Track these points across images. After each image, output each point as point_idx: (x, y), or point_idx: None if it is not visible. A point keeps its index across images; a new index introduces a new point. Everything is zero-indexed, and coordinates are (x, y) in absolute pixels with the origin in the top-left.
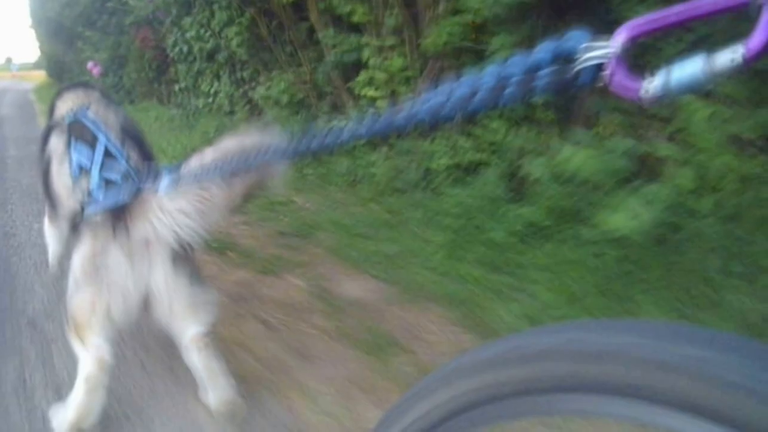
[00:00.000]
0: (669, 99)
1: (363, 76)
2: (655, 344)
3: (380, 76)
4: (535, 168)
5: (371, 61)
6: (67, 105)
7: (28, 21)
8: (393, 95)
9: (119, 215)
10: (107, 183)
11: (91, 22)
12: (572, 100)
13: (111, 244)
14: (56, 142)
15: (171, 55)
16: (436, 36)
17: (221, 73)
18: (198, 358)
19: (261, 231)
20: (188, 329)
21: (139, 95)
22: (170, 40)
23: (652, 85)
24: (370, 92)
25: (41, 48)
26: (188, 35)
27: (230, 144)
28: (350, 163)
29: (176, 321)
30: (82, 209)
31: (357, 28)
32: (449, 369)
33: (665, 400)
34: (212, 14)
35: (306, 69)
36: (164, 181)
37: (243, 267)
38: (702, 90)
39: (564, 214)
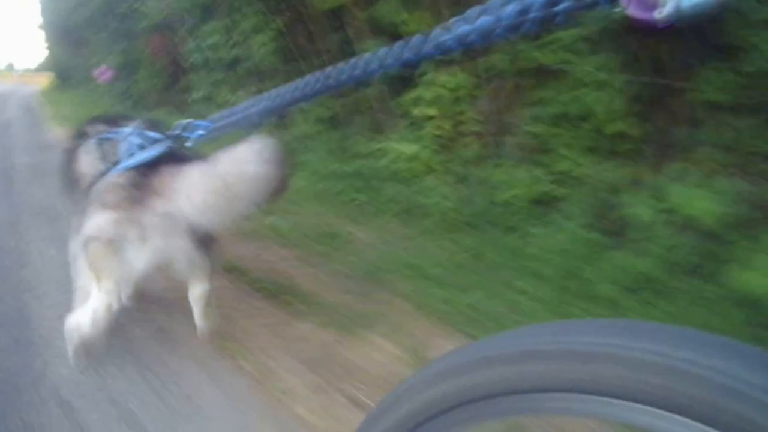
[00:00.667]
0: (681, 21)
1: (416, 92)
2: (644, 346)
3: (436, 93)
4: (642, 210)
5: (425, 77)
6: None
7: (38, 21)
8: (451, 115)
9: (148, 181)
10: (139, 148)
11: (101, 26)
12: (661, 129)
13: (138, 205)
14: (86, 138)
15: (187, 63)
16: (503, 53)
17: (242, 83)
18: (199, 307)
19: (320, 271)
20: (196, 287)
21: (152, 104)
22: (186, 48)
23: (666, 7)
24: (425, 110)
25: (50, 49)
26: (207, 43)
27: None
28: (403, 188)
29: (186, 279)
30: (108, 170)
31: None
32: (431, 371)
33: (654, 401)
34: (234, 22)
35: None
36: (197, 132)
37: (308, 319)
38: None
39: (679, 266)
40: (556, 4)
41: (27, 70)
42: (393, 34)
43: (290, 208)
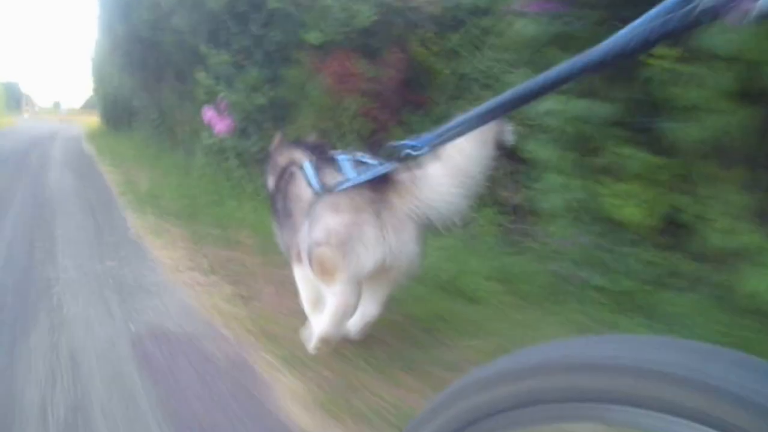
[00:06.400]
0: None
1: None
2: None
3: None
4: None
5: None
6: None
7: (91, 54)
8: None
9: (380, 190)
10: (360, 166)
11: (218, 39)
12: None
13: (370, 214)
14: (292, 171)
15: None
16: None
17: None
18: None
19: None
20: (376, 302)
21: None
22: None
23: (756, 7)
24: None
25: (96, 89)
26: None
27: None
28: None
29: (380, 288)
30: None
31: None
32: (487, 373)
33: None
34: None
35: None
36: (421, 150)
37: None
38: None
39: None
40: (671, 18)
41: (71, 110)
42: None
43: None
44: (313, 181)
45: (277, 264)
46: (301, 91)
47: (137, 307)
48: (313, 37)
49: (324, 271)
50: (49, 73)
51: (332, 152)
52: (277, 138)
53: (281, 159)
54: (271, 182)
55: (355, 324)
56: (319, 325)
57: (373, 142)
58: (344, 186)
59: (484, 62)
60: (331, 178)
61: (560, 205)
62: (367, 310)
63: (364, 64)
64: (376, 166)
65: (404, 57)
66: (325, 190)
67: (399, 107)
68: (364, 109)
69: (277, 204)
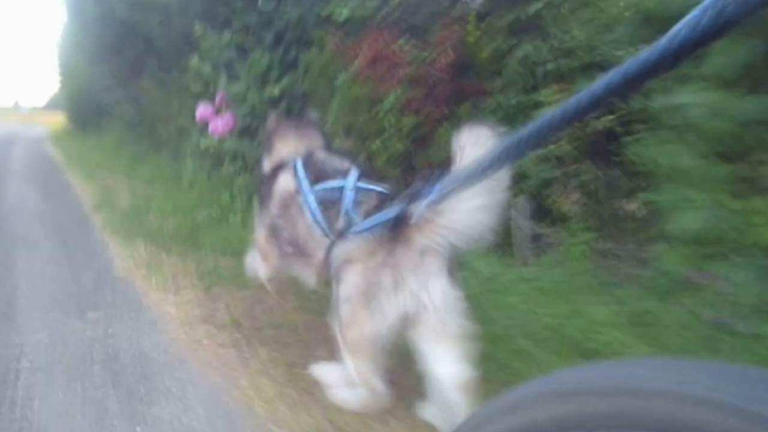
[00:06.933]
0: None
1: None
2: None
3: None
4: None
5: None
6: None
7: (57, 43)
8: None
9: (393, 233)
10: (366, 206)
11: (218, 20)
12: None
13: (383, 254)
14: (287, 180)
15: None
16: None
17: None
18: (456, 398)
19: None
20: (448, 361)
21: None
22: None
23: None
24: None
25: (62, 85)
26: None
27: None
28: None
29: (434, 342)
30: (339, 236)
31: None
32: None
33: None
34: None
35: None
36: (427, 199)
37: None
38: None
39: None
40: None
41: (34, 109)
42: None
43: None
44: (319, 218)
45: (320, 309)
46: (324, 80)
47: (142, 394)
48: (339, 12)
49: (349, 330)
50: (7, 70)
51: (336, 166)
52: (272, 118)
53: (280, 147)
54: (266, 166)
55: (444, 392)
56: (347, 400)
57: (418, 141)
58: (354, 232)
59: (565, 42)
60: (337, 219)
61: (698, 226)
62: (444, 372)
63: (404, 46)
64: (387, 209)
65: (455, 37)
66: (336, 236)
67: (449, 98)
68: (406, 101)
69: (269, 205)
